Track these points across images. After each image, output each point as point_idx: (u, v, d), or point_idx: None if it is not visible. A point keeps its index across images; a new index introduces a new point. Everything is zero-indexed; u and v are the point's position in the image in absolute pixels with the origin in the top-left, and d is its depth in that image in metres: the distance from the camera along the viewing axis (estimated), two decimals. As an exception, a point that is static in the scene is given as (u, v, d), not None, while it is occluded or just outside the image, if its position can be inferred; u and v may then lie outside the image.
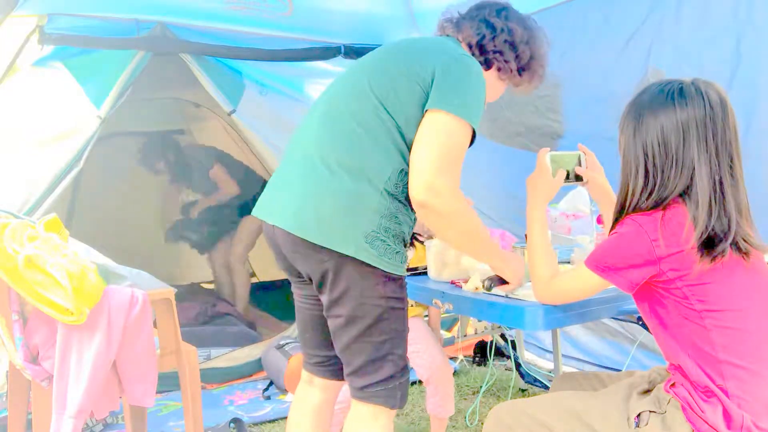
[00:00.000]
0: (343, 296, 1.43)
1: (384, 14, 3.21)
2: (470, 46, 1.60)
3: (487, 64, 1.60)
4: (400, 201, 1.43)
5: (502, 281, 1.63)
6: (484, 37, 1.59)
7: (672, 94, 1.29)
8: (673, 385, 1.31)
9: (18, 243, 1.70)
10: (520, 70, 1.63)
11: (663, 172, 1.27)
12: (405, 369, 1.51)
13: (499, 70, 1.62)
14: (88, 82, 2.79)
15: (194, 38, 3.05)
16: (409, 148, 1.42)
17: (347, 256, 1.38)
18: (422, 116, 1.42)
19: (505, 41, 1.59)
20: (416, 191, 1.37)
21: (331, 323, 1.50)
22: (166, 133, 4.18)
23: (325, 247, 1.39)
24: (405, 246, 1.49)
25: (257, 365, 3.15)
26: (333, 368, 1.64)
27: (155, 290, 1.94)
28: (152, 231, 4.44)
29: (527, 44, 1.61)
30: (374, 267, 1.40)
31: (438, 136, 1.38)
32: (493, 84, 1.64)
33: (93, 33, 2.83)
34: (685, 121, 1.26)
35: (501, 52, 1.59)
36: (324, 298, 1.48)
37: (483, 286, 1.65)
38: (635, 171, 1.31)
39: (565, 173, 1.62)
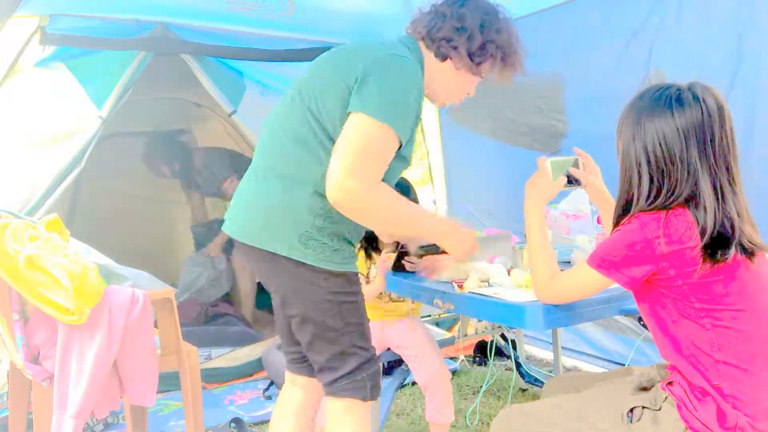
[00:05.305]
0: (288, 296, 1.51)
1: (384, 14, 3.21)
2: (423, 39, 1.58)
3: (441, 56, 1.57)
4: None
5: (441, 251, 1.65)
6: (433, 26, 1.56)
7: (669, 100, 1.28)
8: (670, 383, 1.32)
9: (19, 243, 1.71)
10: (472, 56, 1.56)
11: (670, 177, 1.27)
12: (371, 360, 1.54)
13: (450, 59, 1.57)
14: (89, 83, 2.80)
15: (195, 38, 3.05)
16: None
17: (282, 256, 1.44)
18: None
19: (454, 27, 1.54)
20: (328, 191, 1.40)
21: (292, 324, 1.55)
22: (167, 134, 4.08)
23: (262, 249, 1.46)
24: (352, 244, 1.54)
25: (258, 365, 3.15)
26: (309, 365, 1.64)
27: (156, 290, 1.95)
28: (153, 231, 4.43)
29: (481, 29, 1.54)
30: (311, 265, 1.45)
31: (350, 138, 1.40)
32: (451, 77, 1.60)
33: (94, 33, 2.83)
34: (684, 127, 1.26)
35: (448, 39, 1.55)
36: (274, 301, 1.55)
37: (413, 252, 1.67)
38: (638, 176, 1.30)
39: (566, 178, 1.63)
